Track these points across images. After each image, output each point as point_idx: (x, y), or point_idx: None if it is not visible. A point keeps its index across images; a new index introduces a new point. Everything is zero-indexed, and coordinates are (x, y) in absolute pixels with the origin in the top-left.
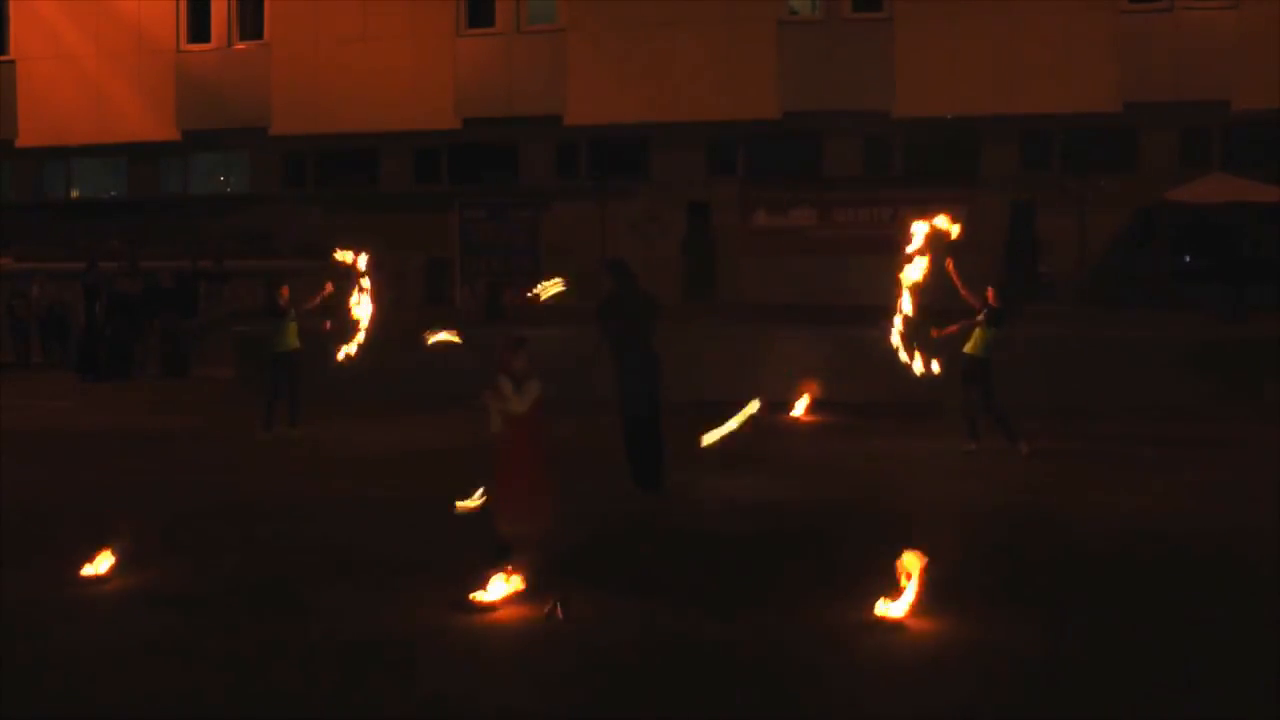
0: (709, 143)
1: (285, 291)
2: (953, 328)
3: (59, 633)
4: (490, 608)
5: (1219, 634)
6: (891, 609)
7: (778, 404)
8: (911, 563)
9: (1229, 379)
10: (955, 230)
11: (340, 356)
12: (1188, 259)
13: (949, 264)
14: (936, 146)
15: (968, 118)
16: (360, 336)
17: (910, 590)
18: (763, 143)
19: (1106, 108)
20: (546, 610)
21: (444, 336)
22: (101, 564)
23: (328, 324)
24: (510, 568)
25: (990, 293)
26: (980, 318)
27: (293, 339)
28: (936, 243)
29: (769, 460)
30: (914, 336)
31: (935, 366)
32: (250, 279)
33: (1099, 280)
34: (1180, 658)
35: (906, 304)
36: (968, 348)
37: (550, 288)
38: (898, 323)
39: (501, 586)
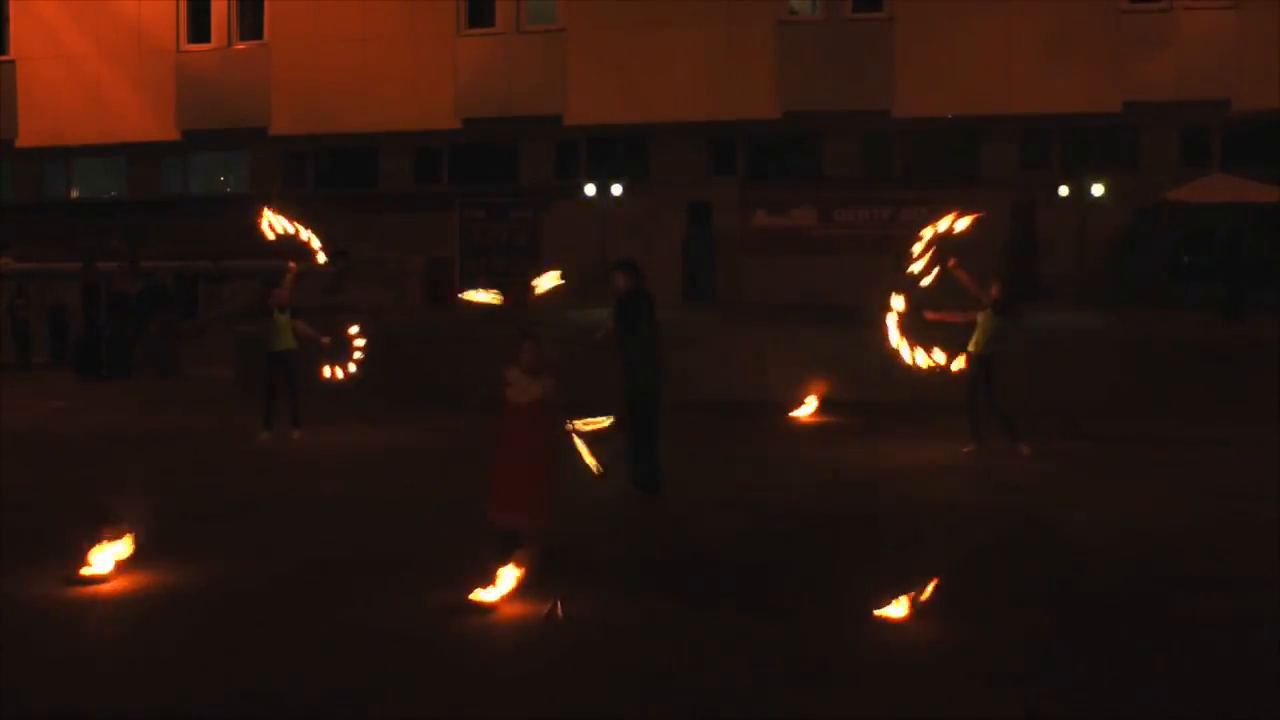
0: (709, 143)
1: (284, 293)
2: (952, 315)
3: (58, 632)
4: (490, 608)
5: (1219, 634)
6: (891, 609)
7: (779, 404)
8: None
9: (1228, 379)
10: (964, 223)
11: (328, 373)
12: (1187, 259)
13: (951, 264)
14: (936, 146)
15: (968, 118)
16: (355, 359)
17: (909, 597)
18: (763, 143)
19: (1106, 108)
20: (547, 610)
21: (483, 297)
22: (100, 564)
23: (326, 339)
24: (509, 561)
25: (995, 287)
26: (982, 314)
27: (286, 339)
28: (940, 245)
29: (769, 460)
30: (910, 330)
31: (940, 356)
32: (249, 279)
33: (1098, 280)
34: (1180, 658)
35: (898, 301)
36: (972, 346)
37: (547, 281)
38: (892, 321)
39: (502, 585)
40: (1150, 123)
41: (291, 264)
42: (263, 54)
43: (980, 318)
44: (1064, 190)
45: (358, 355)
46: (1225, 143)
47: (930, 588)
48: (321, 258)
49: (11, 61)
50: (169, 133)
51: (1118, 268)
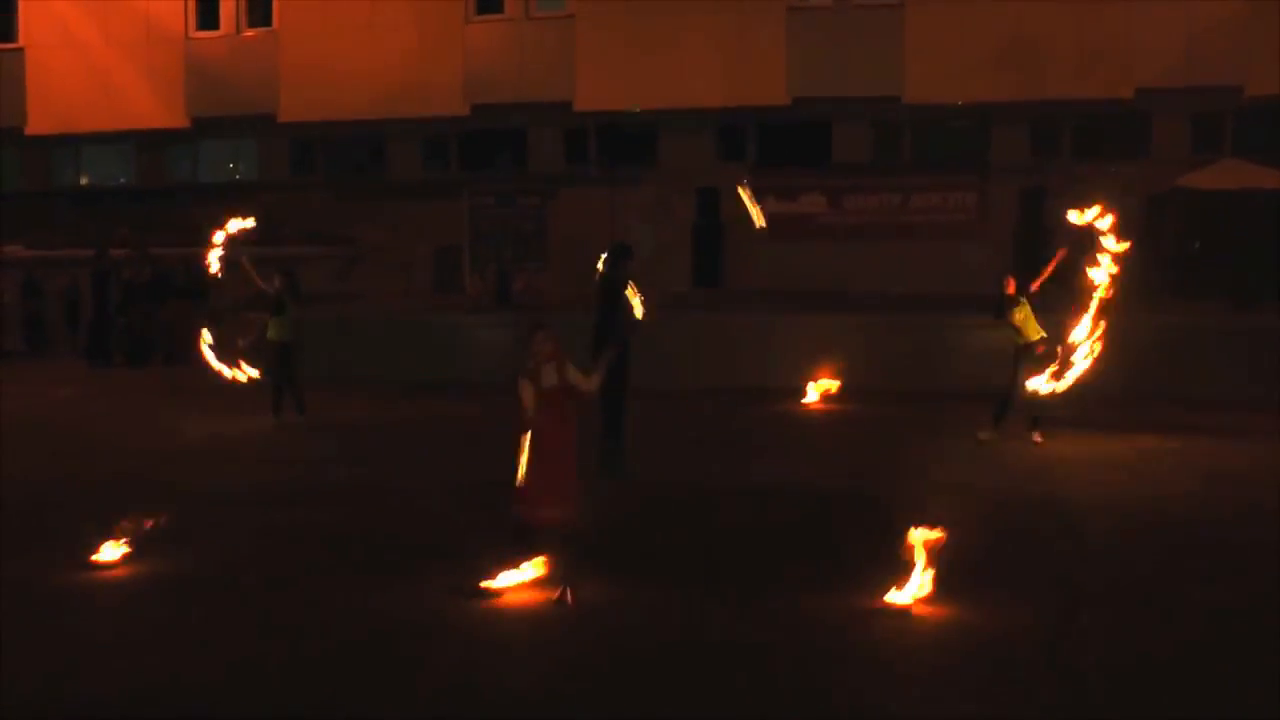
0: (718, 129)
1: (276, 281)
2: (1040, 348)
3: (68, 619)
4: (498, 594)
5: (1231, 623)
6: (899, 596)
7: (788, 391)
8: (919, 542)
9: (1240, 366)
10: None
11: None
12: (1198, 245)
13: (1062, 253)
14: (946, 133)
15: (978, 104)
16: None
17: (918, 577)
18: (772, 129)
19: (1118, 93)
20: (556, 596)
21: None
22: (111, 551)
23: (241, 341)
24: (535, 554)
25: (1011, 282)
26: (1020, 307)
27: (281, 329)
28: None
29: (779, 447)
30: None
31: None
32: (259, 266)
33: None
34: (1191, 647)
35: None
36: (1035, 335)
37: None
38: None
39: (517, 573)
40: (1162, 109)
41: (243, 259)
42: (271, 41)
43: (1021, 311)
44: (1074, 177)
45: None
46: (1237, 129)
47: (935, 573)
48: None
49: (20, 49)
50: (178, 120)
51: (1128, 255)
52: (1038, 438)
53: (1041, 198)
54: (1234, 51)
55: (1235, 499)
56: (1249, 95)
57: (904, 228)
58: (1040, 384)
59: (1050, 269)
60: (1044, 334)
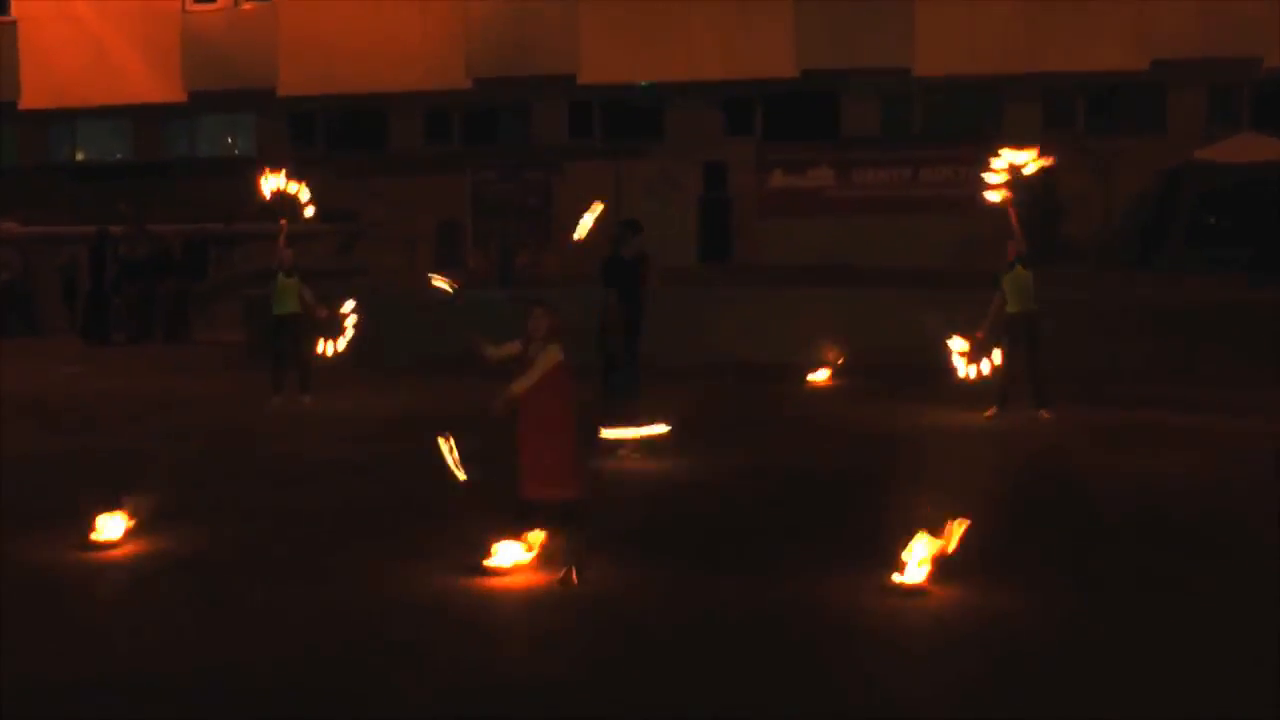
0: (725, 102)
1: (288, 254)
2: (980, 332)
3: (70, 597)
4: (503, 573)
5: (1243, 602)
6: (908, 575)
7: (794, 367)
8: (928, 521)
9: (1255, 342)
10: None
11: (320, 349)
12: (1213, 220)
13: (1008, 198)
14: (957, 105)
15: (989, 76)
16: (346, 335)
17: (926, 556)
18: (780, 102)
19: (1132, 65)
20: (560, 576)
21: (442, 284)
22: (112, 529)
23: (323, 311)
24: (532, 534)
25: (1011, 247)
26: (1010, 274)
27: (288, 302)
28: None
29: (785, 424)
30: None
31: (985, 367)
32: (261, 241)
33: (1122, 242)
34: (1203, 626)
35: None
36: (1016, 306)
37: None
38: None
39: (518, 553)
40: (1178, 81)
41: (283, 220)
42: (270, 13)
43: (1011, 277)
44: (1087, 150)
45: (350, 332)
46: (1255, 101)
47: (946, 553)
48: (310, 211)
49: (13, 22)
50: (175, 94)
51: (1142, 229)
52: (1044, 414)
53: (1055, 171)
54: (1251, 23)
55: (1247, 477)
56: (1266, 67)
57: (913, 202)
58: (960, 368)
59: (1015, 222)
60: (1033, 306)
